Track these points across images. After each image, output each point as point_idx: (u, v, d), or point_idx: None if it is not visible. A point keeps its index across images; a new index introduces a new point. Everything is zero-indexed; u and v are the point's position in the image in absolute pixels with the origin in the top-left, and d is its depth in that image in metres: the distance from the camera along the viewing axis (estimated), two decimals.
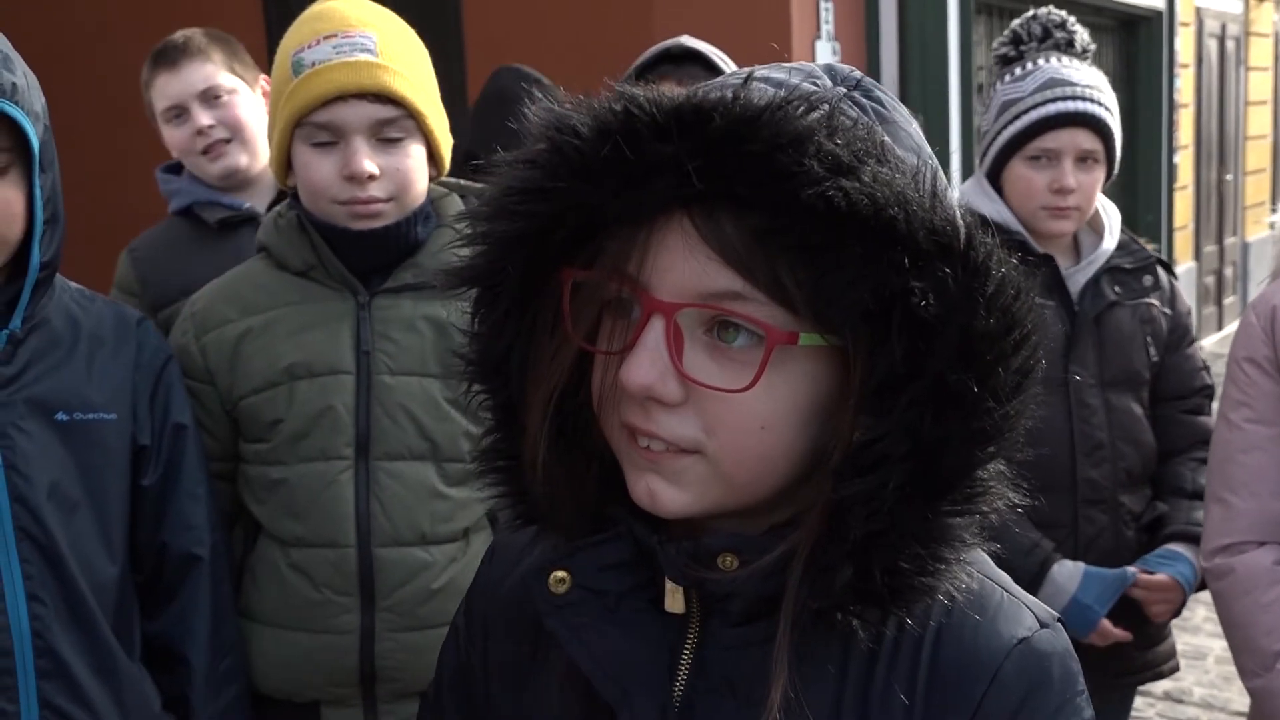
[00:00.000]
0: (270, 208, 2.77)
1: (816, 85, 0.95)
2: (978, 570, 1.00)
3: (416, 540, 2.04)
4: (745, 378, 0.90)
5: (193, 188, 2.87)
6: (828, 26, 5.67)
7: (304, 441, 2.03)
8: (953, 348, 0.87)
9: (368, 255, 2.06)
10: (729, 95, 0.88)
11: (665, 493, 0.95)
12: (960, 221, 0.89)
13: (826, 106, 0.88)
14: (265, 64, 6.51)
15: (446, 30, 5.56)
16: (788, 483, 0.96)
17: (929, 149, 0.98)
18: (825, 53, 5.65)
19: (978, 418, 0.89)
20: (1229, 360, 2.21)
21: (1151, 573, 2.51)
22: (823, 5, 5.63)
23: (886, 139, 0.92)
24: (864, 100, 0.96)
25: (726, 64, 2.47)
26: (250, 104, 2.88)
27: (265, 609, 2.08)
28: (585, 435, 1.02)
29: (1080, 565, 2.48)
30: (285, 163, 2.06)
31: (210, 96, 2.82)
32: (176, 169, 2.94)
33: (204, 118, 2.80)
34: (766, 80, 0.94)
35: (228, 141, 2.82)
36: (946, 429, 0.88)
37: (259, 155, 2.86)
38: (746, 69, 0.97)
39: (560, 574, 1.00)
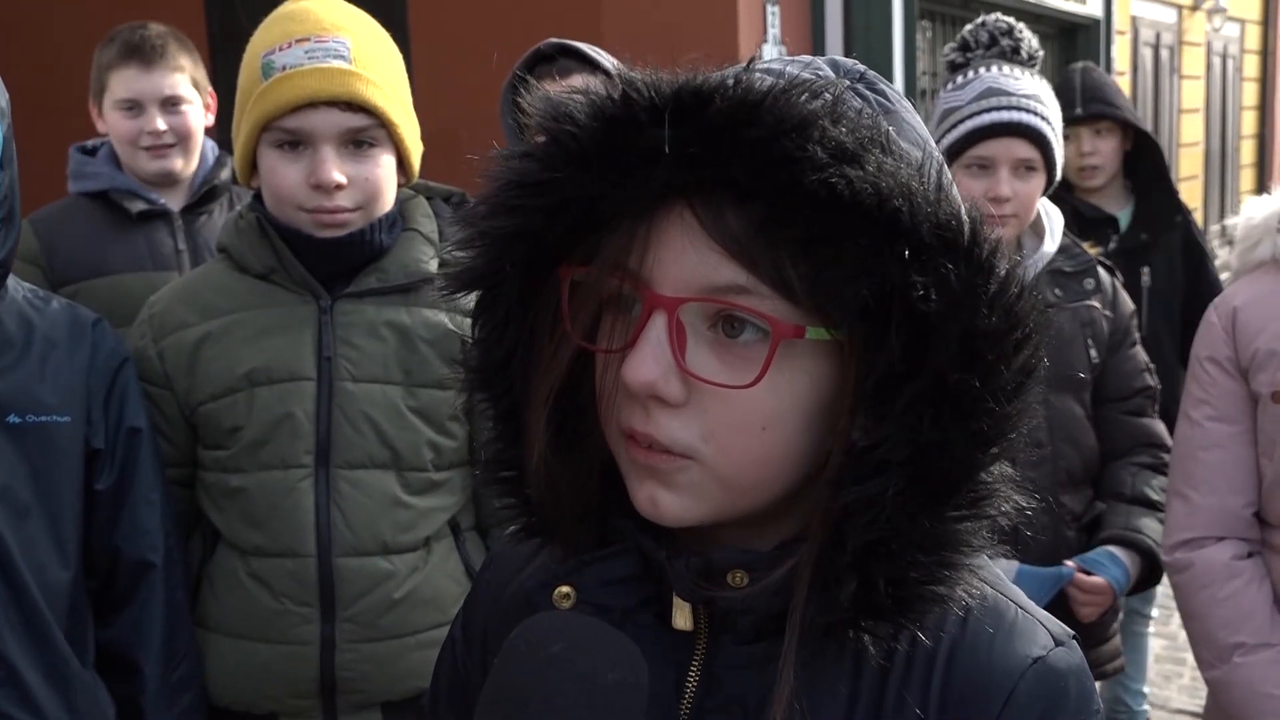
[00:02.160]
0: (185, 210, 2.95)
1: (818, 76, 0.92)
2: (990, 586, 0.98)
3: (378, 550, 2.00)
4: (749, 374, 0.87)
5: (114, 174, 2.97)
6: (774, 30, 5.69)
7: (264, 449, 1.99)
8: (954, 346, 0.85)
9: (331, 261, 2.02)
10: (729, 80, 0.85)
11: (666, 500, 0.92)
12: (965, 216, 0.87)
13: (830, 94, 0.86)
14: (205, 55, 6.43)
15: (391, 30, 5.52)
16: (791, 488, 0.93)
17: (933, 144, 0.96)
18: (771, 56, 5.68)
19: (977, 418, 0.87)
20: (1191, 359, 2.24)
21: (1089, 573, 2.53)
22: (769, 9, 5.65)
23: (891, 129, 0.89)
24: (867, 92, 0.94)
25: (601, 57, 2.47)
26: (199, 116, 3.01)
27: (224, 618, 2.04)
28: (587, 439, 0.99)
29: (1014, 564, 2.49)
30: (250, 163, 2.01)
31: (171, 103, 2.93)
32: (91, 150, 3.03)
33: (160, 122, 2.90)
34: (767, 71, 0.91)
35: (171, 146, 2.94)
36: (946, 430, 0.86)
37: (193, 163, 3.01)
38: (769, 63, 0.94)
39: (565, 589, 0.96)
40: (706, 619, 0.97)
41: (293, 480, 1.98)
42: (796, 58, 0.96)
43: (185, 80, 2.95)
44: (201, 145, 3.02)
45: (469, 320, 2.12)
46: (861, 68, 0.96)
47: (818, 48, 5.99)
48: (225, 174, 3.03)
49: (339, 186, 1.95)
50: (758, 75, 0.87)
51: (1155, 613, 3.94)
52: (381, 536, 2.00)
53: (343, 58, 1.94)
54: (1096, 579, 2.52)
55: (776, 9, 5.68)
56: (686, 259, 0.87)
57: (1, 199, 1.77)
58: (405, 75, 2.06)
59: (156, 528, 1.96)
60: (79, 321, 1.96)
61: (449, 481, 2.08)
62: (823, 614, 0.90)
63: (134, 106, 2.91)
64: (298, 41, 1.93)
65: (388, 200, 2.04)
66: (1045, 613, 1.01)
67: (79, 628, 1.89)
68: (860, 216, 0.83)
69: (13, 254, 1.83)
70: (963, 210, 0.87)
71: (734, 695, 0.95)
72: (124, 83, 2.91)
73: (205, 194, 2.99)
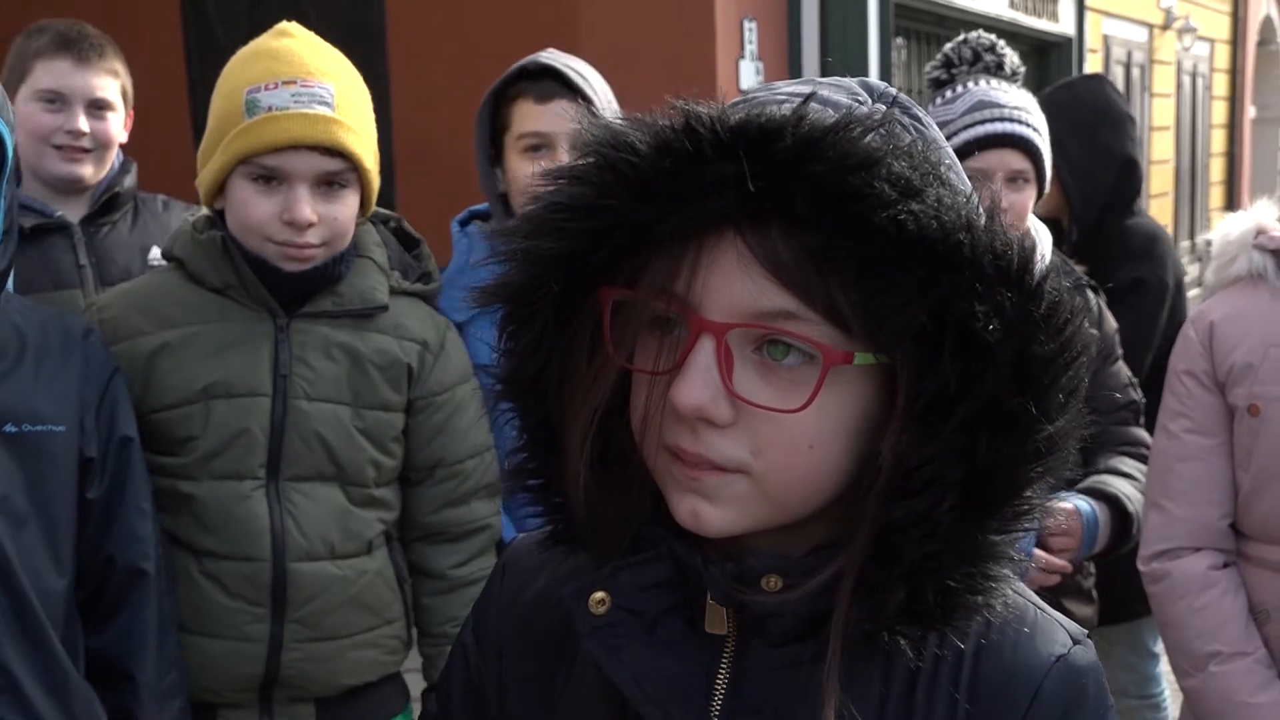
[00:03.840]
0: (85, 221, 2.78)
1: (859, 102, 0.95)
2: (1011, 588, 1.00)
3: (327, 555, 2.09)
4: (796, 397, 0.90)
5: None
6: (751, 46, 5.74)
7: (217, 460, 2.05)
8: (1007, 370, 0.87)
9: (290, 286, 2.09)
10: (794, 114, 0.87)
11: (709, 512, 0.94)
12: (1017, 244, 0.89)
13: (884, 127, 0.88)
14: (180, 67, 6.36)
15: (370, 45, 5.54)
16: (829, 501, 0.96)
17: (962, 169, 0.98)
18: (749, 73, 5.72)
19: (1031, 439, 0.90)
20: (1169, 372, 2.28)
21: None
22: (746, 25, 5.70)
23: (943, 160, 0.92)
24: (904, 119, 0.95)
25: (585, 78, 2.48)
26: (120, 127, 2.85)
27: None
28: (627, 456, 1.01)
29: None
30: (218, 188, 2.07)
31: (97, 106, 2.77)
32: None
33: (84, 123, 2.73)
34: (823, 100, 0.93)
35: (87, 151, 2.76)
36: (1000, 450, 0.89)
37: (102, 173, 2.82)
38: (798, 83, 0.96)
39: (600, 595, 0.99)
40: (737, 623, 0.99)
41: (245, 490, 2.05)
42: (838, 82, 0.98)
43: (116, 86, 2.79)
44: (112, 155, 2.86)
45: (417, 348, 2.21)
46: (893, 91, 0.98)
47: (794, 64, 6.05)
48: (129, 181, 2.88)
49: (310, 225, 2.02)
50: (816, 108, 0.89)
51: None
52: (331, 542, 2.09)
53: (327, 104, 2.02)
54: (1060, 506, 2.44)
55: (754, 25, 5.73)
56: (736, 285, 0.89)
57: (4, 211, 1.79)
58: (372, 116, 2.15)
59: (149, 536, 1.98)
60: (70, 332, 1.97)
61: (385, 496, 2.18)
62: (866, 620, 0.92)
63: (56, 100, 2.71)
64: (284, 83, 2.01)
65: (349, 236, 2.12)
66: (1058, 613, 1.04)
67: (71, 636, 1.90)
68: (925, 248, 0.86)
69: (10, 267, 1.84)
70: (1015, 238, 0.90)
71: (765, 697, 0.97)
72: (53, 74, 2.71)
73: (107, 202, 2.81)
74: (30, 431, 1.85)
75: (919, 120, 0.97)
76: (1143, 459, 2.61)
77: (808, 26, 6.09)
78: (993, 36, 2.80)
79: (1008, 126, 2.56)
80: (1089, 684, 0.99)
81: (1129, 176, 3.72)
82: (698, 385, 0.90)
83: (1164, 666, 3.56)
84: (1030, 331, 0.88)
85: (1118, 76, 11.90)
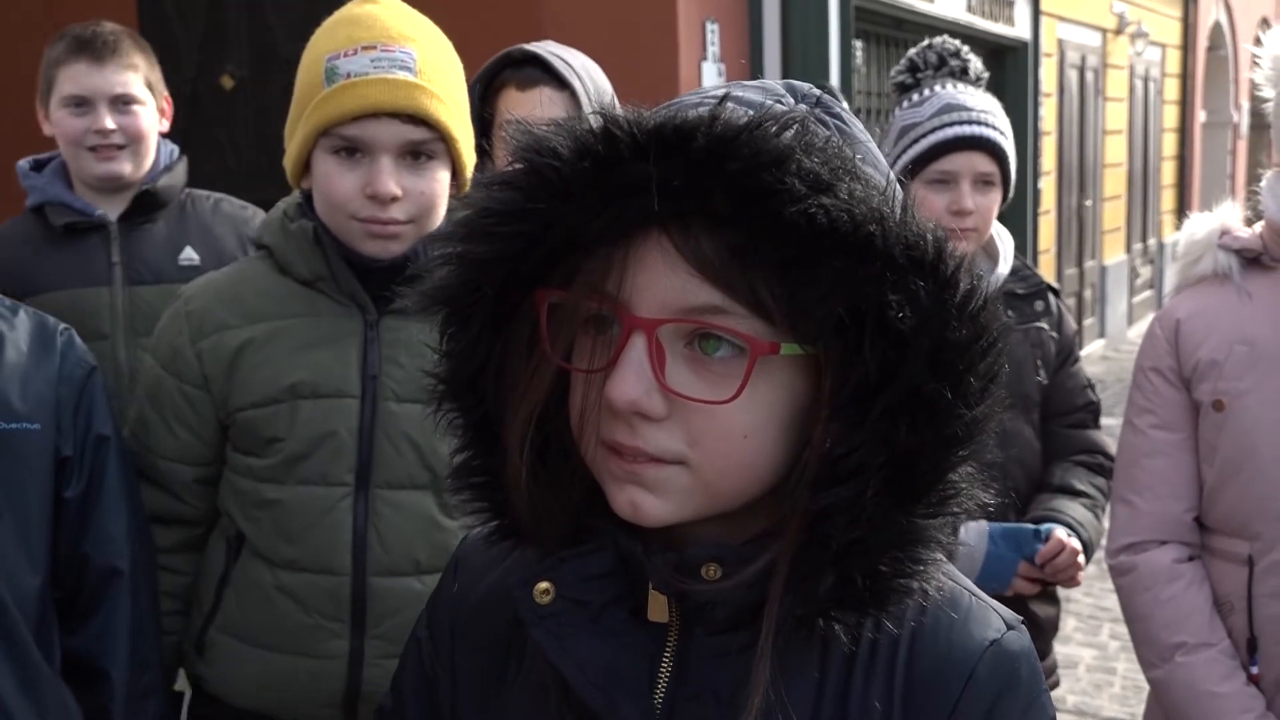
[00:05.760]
0: (124, 218, 2.79)
1: (782, 103, 0.97)
2: (947, 576, 1.03)
3: (411, 570, 1.99)
4: (727, 389, 0.92)
5: (47, 186, 2.84)
6: (714, 48, 5.77)
7: (304, 464, 1.96)
8: (925, 358, 0.90)
9: (384, 277, 1.96)
10: (707, 115, 0.89)
11: (648, 503, 0.96)
12: (930, 235, 0.92)
13: (798, 125, 0.90)
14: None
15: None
16: (766, 489, 0.98)
17: (885, 163, 1.01)
18: (711, 74, 5.74)
19: (949, 424, 0.92)
20: (1135, 369, 2.31)
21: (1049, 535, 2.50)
22: (709, 27, 5.73)
23: (857, 155, 0.95)
24: (826, 117, 0.98)
25: (570, 65, 2.48)
26: (152, 119, 2.88)
27: (249, 629, 2.01)
28: (567, 452, 1.03)
29: (984, 523, 2.51)
30: (303, 165, 1.97)
31: (121, 102, 2.79)
32: (40, 165, 2.90)
33: (108, 121, 2.77)
34: (739, 100, 0.95)
35: (120, 148, 2.79)
36: (921, 436, 0.92)
37: (144, 167, 2.86)
38: (721, 88, 0.98)
39: (544, 585, 1.01)
40: (679, 612, 1.01)
41: (334, 499, 1.96)
42: (763, 83, 1.00)
43: (138, 80, 2.81)
44: (156, 151, 2.88)
45: None
46: (817, 91, 1.01)
47: (756, 66, 6.08)
48: (173, 178, 2.89)
49: (394, 198, 1.91)
50: (731, 108, 0.91)
51: None
52: (416, 557, 1.99)
53: (408, 69, 1.90)
54: (1051, 542, 2.48)
55: (716, 27, 5.76)
56: (664, 283, 0.92)
57: None
58: (465, 88, 2.04)
59: (124, 535, 1.96)
60: (46, 330, 1.96)
61: None
62: (799, 606, 0.95)
63: (82, 104, 2.77)
64: (364, 49, 1.90)
65: (440, 214, 1.99)
66: (995, 600, 1.07)
67: (46, 635, 1.89)
68: (836, 241, 0.88)
69: None
70: (928, 229, 0.92)
71: (706, 684, 1.00)
72: (73, 79, 2.77)
73: (146, 201, 2.83)
74: (4, 430, 1.83)
75: (840, 118, 1.00)
76: (1099, 469, 2.67)
77: (769, 28, 6.12)
78: (957, 42, 2.83)
79: (975, 129, 2.59)
80: (1021, 668, 1.02)
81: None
82: (631, 380, 0.92)
83: (1128, 661, 3.59)
84: (944, 319, 0.91)
85: (1072, 80, 12.03)
